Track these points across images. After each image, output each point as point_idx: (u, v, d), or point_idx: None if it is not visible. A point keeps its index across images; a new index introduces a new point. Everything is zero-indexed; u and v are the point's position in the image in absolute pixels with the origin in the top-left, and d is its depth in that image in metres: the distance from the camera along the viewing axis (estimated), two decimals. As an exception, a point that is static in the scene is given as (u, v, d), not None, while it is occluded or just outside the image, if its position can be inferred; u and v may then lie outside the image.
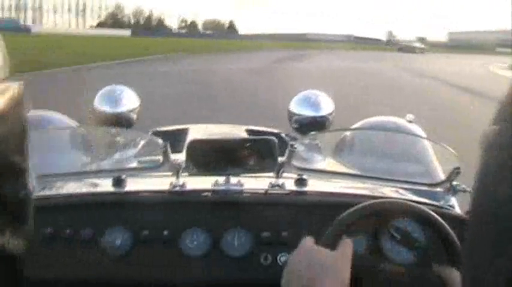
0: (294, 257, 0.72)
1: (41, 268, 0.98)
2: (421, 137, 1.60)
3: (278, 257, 1.03)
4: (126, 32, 59.01)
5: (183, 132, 1.88)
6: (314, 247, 0.73)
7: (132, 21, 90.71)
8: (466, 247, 0.36)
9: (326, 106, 1.88)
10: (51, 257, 1.02)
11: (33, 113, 1.70)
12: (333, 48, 41.94)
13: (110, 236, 1.04)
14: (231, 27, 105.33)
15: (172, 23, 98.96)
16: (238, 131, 2.03)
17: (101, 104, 1.82)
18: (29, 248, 0.38)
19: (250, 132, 2.00)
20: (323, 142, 1.68)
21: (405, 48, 48.28)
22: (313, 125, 1.83)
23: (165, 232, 1.04)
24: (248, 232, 1.05)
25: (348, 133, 1.76)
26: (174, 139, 1.46)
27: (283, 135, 1.97)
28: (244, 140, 1.22)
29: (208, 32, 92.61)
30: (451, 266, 0.80)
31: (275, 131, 2.08)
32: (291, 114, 1.90)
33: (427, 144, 1.53)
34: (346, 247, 0.73)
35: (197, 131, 1.94)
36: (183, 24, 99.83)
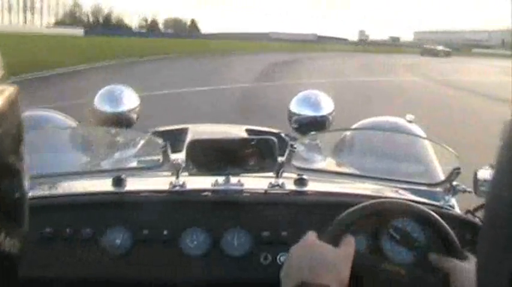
0: (296, 251, 0.71)
1: (41, 268, 0.98)
2: (421, 137, 1.60)
3: (278, 257, 1.03)
4: (79, 31, 53.74)
5: (183, 132, 1.88)
6: (317, 241, 0.73)
7: (91, 19, 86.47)
8: (478, 250, 0.36)
9: (326, 106, 1.88)
10: (51, 256, 1.02)
11: (32, 113, 1.70)
12: (330, 50, 37.90)
13: (110, 235, 1.04)
14: (193, 26, 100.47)
15: (132, 21, 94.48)
16: (238, 131, 2.03)
17: (101, 104, 1.82)
18: (24, 248, 0.38)
19: (250, 132, 2.00)
20: (323, 142, 1.68)
21: (428, 51, 45.77)
22: (313, 125, 1.83)
23: (165, 232, 1.04)
24: (248, 231, 1.05)
25: (347, 133, 1.76)
26: (174, 139, 1.46)
27: (283, 135, 1.97)
28: (244, 140, 1.22)
29: (169, 31, 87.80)
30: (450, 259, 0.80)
31: (275, 131, 2.09)
32: (290, 114, 1.91)
33: (427, 144, 1.53)
34: (349, 244, 0.73)
35: (197, 131, 1.94)
36: (144, 22, 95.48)
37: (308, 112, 1.86)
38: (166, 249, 1.04)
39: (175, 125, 2.13)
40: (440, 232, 0.85)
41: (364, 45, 69.99)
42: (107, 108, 1.81)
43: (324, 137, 1.76)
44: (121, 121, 1.81)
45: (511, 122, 0.33)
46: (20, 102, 0.36)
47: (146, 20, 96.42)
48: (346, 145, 1.70)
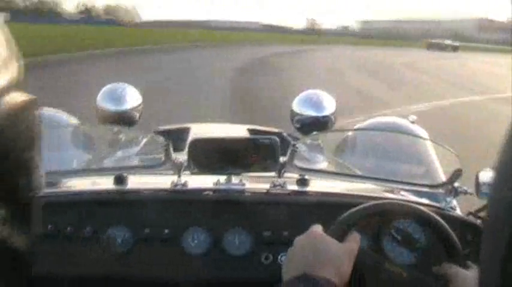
0: (301, 242, 0.71)
1: (42, 265, 0.98)
2: (423, 138, 1.60)
3: (279, 257, 1.03)
4: (-1, 18, 50.20)
5: (185, 131, 1.88)
6: (323, 234, 0.73)
7: (26, 4, 78.51)
8: (480, 254, 0.36)
9: (328, 106, 1.88)
10: (52, 254, 1.02)
11: None
12: (328, 43, 33.72)
13: (111, 234, 1.04)
14: (133, 13, 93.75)
15: (70, 7, 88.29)
16: (240, 131, 2.03)
17: (103, 102, 1.82)
18: (36, 246, 0.38)
19: (252, 131, 2.00)
20: (325, 142, 1.68)
21: (435, 45, 43.37)
22: (315, 125, 1.83)
23: (166, 231, 1.05)
24: (249, 231, 1.05)
25: (349, 133, 1.76)
26: (176, 138, 1.46)
27: (285, 135, 1.97)
28: (246, 140, 1.22)
29: (108, 17, 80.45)
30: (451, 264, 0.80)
31: (277, 130, 2.08)
32: (293, 114, 1.90)
33: (429, 145, 1.53)
34: (354, 241, 0.73)
35: (199, 130, 1.94)
36: (83, 8, 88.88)
37: (310, 112, 1.86)
38: (167, 248, 1.04)
39: (177, 124, 2.14)
40: (442, 233, 0.85)
41: (318, 35, 66.25)
42: (109, 106, 1.81)
43: (326, 138, 1.76)
44: (123, 119, 1.81)
45: (511, 125, 0.33)
46: (37, 100, 0.37)
47: (86, 6, 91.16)
48: (348, 145, 1.70)
